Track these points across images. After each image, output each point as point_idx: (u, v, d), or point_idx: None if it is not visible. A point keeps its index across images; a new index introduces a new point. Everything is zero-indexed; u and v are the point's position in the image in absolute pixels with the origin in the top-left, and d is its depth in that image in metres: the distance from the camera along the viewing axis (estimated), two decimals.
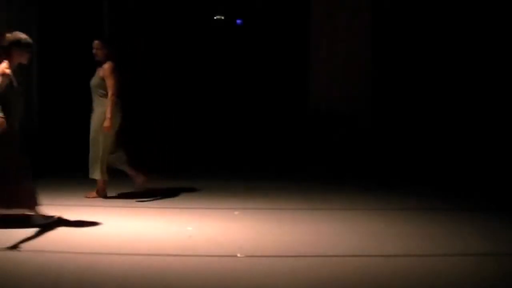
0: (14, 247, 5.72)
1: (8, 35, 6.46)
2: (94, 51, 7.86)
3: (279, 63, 11.26)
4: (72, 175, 9.21)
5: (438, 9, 10.70)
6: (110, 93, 7.73)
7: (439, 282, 5.10)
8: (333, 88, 10.74)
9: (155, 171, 9.77)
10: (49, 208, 6.75)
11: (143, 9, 10.46)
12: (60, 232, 6.38)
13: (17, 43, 6.44)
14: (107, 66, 7.77)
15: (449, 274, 5.25)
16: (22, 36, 6.50)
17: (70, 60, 10.27)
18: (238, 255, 5.67)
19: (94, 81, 7.94)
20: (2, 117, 6.23)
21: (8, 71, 6.33)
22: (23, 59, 6.51)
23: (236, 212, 7.35)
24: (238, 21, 11.66)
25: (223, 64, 11.37)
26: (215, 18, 11.57)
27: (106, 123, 7.70)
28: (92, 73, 7.96)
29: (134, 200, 7.91)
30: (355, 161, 10.38)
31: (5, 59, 6.42)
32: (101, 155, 7.84)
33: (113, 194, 8.07)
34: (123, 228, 6.56)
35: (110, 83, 7.72)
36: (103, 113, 7.77)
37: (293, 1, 11.24)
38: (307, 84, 10.90)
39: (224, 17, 11.62)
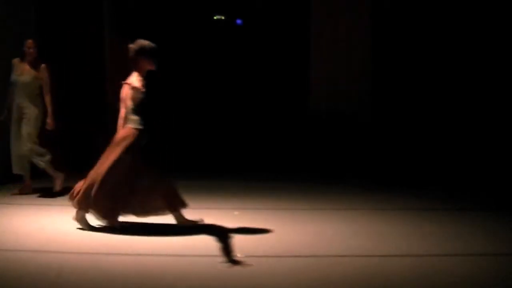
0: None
1: (132, 46, 6.40)
2: (30, 50, 8.10)
3: (279, 63, 11.25)
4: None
5: (438, 8, 10.69)
6: (49, 92, 8.05)
7: (439, 282, 5.10)
8: (333, 88, 10.73)
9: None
10: (52, 207, 6.75)
11: (143, 9, 10.46)
12: (60, 232, 6.38)
13: (142, 51, 6.38)
14: (44, 66, 8.10)
15: (449, 274, 5.25)
16: (145, 42, 6.42)
17: (69, 60, 10.26)
18: (238, 255, 5.67)
19: (24, 79, 8.04)
20: (141, 128, 6.33)
21: (140, 84, 6.28)
22: (150, 65, 6.43)
23: (236, 212, 7.35)
24: (238, 21, 11.64)
25: (223, 64, 11.35)
26: (215, 18, 11.55)
27: (51, 120, 8.04)
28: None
29: None
30: (355, 161, 10.37)
31: (134, 70, 6.37)
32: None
33: None
34: (123, 228, 6.55)
35: (48, 82, 8.05)
36: (39, 111, 8.06)
37: (293, 1, 11.23)
38: (307, 84, 10.89)
39: (224, 17, 11.61)
